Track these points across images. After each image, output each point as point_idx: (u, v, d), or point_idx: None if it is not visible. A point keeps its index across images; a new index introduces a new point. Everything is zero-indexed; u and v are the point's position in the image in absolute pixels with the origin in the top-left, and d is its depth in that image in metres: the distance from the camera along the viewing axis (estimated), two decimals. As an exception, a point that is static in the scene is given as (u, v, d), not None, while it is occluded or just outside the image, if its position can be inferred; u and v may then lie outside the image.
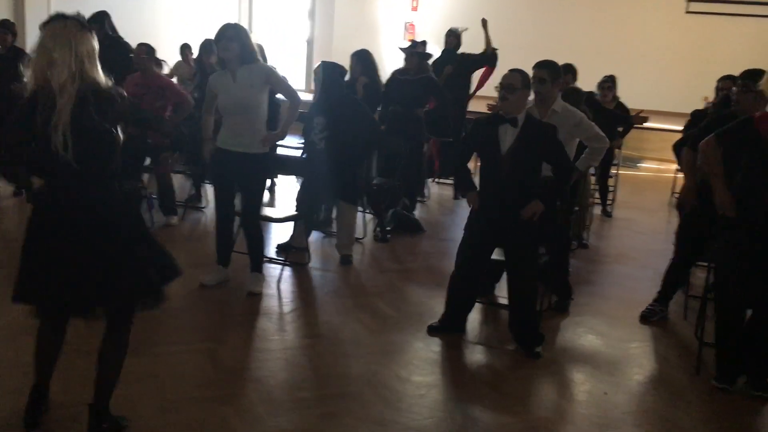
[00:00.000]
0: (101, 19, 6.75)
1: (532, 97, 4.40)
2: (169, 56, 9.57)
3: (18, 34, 6.98)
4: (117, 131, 2.80)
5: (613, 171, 7.79)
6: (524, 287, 4.14)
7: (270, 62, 7.24)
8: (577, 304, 4.96)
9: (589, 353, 4.28)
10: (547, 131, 4.06)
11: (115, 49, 6.72)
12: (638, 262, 6.21)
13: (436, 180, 8.35)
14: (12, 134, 2.79)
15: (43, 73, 2.69)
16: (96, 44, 2.81)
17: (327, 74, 5.35)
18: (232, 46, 4.41)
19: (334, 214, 5.89)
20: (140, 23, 10.78)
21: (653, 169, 11.25)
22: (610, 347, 4.38)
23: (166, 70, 6.85)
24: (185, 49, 9.02)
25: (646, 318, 4.80)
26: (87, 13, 6.86)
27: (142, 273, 2.88)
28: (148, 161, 6.37)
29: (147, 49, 6.04)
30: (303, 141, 5.75)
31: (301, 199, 5.55)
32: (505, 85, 4.00)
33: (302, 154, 5.74)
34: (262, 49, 7.16)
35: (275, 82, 4.58)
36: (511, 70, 4.06)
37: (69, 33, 2.72)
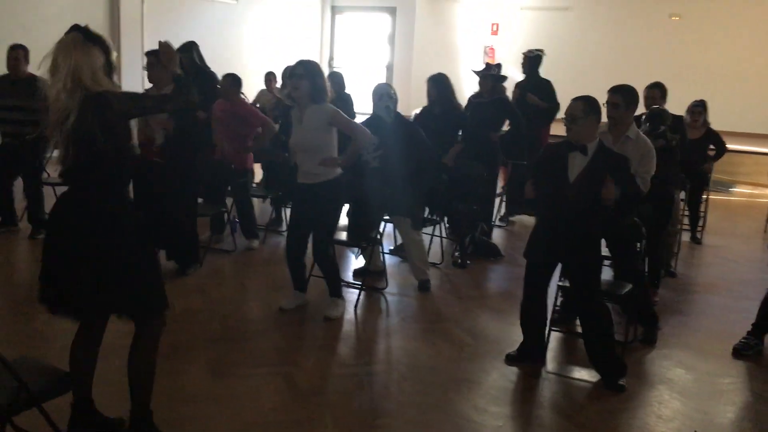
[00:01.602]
0: (189, 49, 7.01)
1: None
2: (254, 85, 9.91)
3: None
4: (123, 138, 2.82)
5: (704, 195, 7.48)
6: (591, 310, 4.01)
7: (348, 89, 7.38)
8: (665, 335, 4.75)
9: (677, 388, 4.08)
10: (619, 163, 3.94)
11: (201, 78, 6.98)
12: (730, 292, 5.91)
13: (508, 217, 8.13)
14: None
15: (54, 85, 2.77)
16: (102, 57, 2.85)
17: (377, 95, 5.36)
18: (301, 85, 4.45)
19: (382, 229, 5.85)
20: (226, 53, 11.18)
21: (746, 194, 10.74)
22: (700, 382, 4.17)
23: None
24: (269, 77, 9.27)
25: (739, 352, 4.54)
26: (177, 44, 7.21)
27: (142, 285, 2.88)
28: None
29: (232, 80, 6.23)
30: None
31: (353, 219, 5.54)
32: (568, 115, 3.92)
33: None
34: (341, 77, 7.32)
35: (339, 122, 4.55)
36: (575, 99, 3.96)
37: (71, 44, 2.80)
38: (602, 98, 4.27)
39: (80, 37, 2.82)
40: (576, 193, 3.89)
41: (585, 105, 3.91)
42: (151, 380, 3.03)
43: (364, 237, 5.37)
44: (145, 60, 5.10)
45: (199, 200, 5.96)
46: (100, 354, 3.11)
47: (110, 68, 2.89)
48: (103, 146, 2.74)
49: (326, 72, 5.05)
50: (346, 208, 5.60)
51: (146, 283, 2.90)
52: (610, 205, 3.88)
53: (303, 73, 4.46)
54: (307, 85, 4.44)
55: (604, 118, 4.25)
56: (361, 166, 5.41)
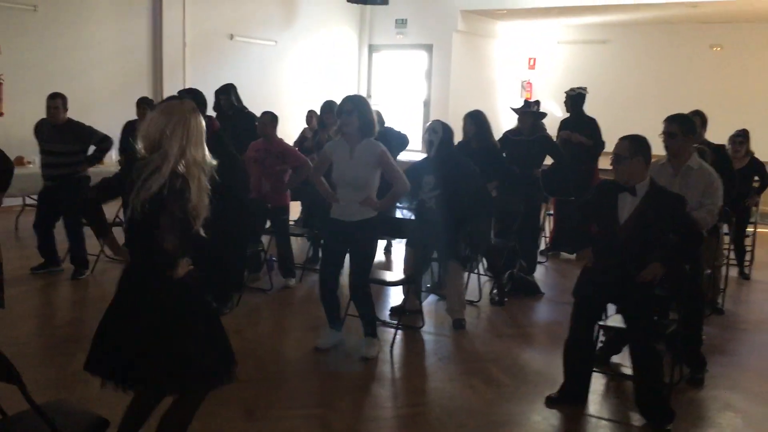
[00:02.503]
0: (228, 91, 7.15)
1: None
2: (292, 123, 10.03)
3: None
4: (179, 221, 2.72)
5: (750, 229, 7.27)
6: (644, 354, 3.88)
7: (387, 124, 7.44)
8: (712, 376, 4.58)
9: (726, 432, 3.91)
10: (675, 204, 3.81)
11: (240, 119, 7.11)
12: (781, 329, 5.69)
13: (549, 253, 8.03)
14: (95, 189, 2.96)
15: (152, 144, 2.78)
16: (203, 125, 2.89)
17: (446, 133, 5.36)
18: (351, 121, 4.48)
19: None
20: (266, 93, 11.38)
21: (796, 227, 10.41)
22: (752, 426, 3.99)
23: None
24: (311, 115, 9.36)
25: (792, 394, 4.35)
26: (216, 84, 7.38)
27: (182, 360, 2.80)
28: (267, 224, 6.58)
29: (270, 117, 6.31)
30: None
31: (410, 261, 5.53)
32: (613, 155, 3.85)
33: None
34: (380, 115, 7.37)
35: (385, 164, 4.55)
36: (621, 139, 3.88)
37: (183, 111, 2.83)
38: (645, 131, 4.18)
39: (194, 107, 2.88)
40: (627, 236, 3.80)
41: (631, 144, 3.82)
42: None
43: (418, 278, 5.37)
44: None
45: None
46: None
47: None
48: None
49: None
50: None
51: (203, 357, 2.84)
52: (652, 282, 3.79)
53: (352, 108, 4.50)
54: (356, 120, 4.48)
55: (660, 151, 4.16)
56: (419, 206, 5.41)
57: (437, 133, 5.34)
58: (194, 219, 2.76)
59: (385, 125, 7.37)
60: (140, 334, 2.77)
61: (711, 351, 4.91)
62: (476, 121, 6.29)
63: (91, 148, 6.37)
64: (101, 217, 3.02)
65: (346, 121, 4.50)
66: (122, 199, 2.85)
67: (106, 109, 9.30)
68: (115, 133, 7.34)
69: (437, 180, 5.31)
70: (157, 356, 2.77)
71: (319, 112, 8.25)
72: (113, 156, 7.81)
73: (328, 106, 7.34)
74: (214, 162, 2.93)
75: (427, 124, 5.56)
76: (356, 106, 4.52)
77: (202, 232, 2.81)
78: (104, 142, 6.35)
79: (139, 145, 2.82)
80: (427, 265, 5.63)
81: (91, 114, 7.43)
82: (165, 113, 2.83)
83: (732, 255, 7.07)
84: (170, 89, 10.57)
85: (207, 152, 2.88)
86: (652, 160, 3.97)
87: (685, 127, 4.36)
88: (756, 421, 4.04)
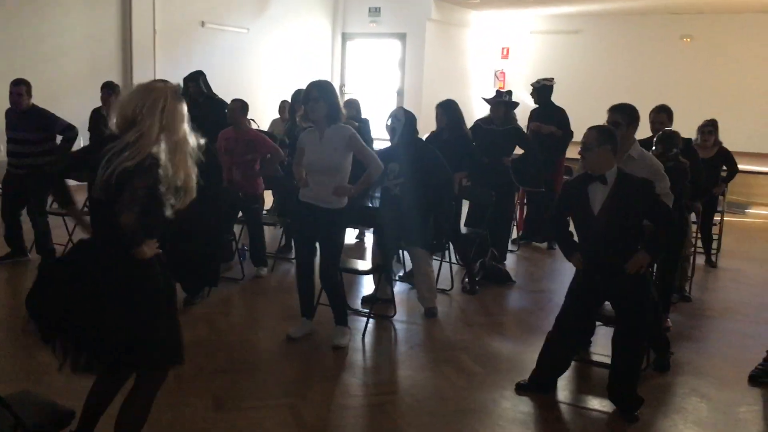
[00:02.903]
0: (196, 78, 7.08)
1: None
2: (265, 112, 9.97)
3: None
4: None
5: (717, 218, 7.39)
6: (633, 347, 3.92)
7: (364, 115, 7.44)
8: (679, 362, 4.65)
9: (692, 417, 3.97)
10: (643, 188, 3.84)
11: (209, 106, 7.04)
12: (747, 316, 5.79)
13: (521, 242, 8.07)
14: (62, 163, 2.93)
15: (125, 122, 2.75)
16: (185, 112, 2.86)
17: (408, 120, 5.36)
18: (318, 107, 4.47)
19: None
20: (238, 81, 11.28)
21: (762, 216, 10.61)
22: (716, 411, 4.06)
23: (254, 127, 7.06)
24: (284, 106, 9.29)
25: (755, 379, 4.43)
26: (187, 72, 7.29)
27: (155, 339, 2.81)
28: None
29: (239, 105, 6.25)
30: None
31: (378, 249, 5.54)
32: (582, 144, 3.87)
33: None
34: (357, 104, 7.37)
35: (355, 147, 4.55)
36: (589, 129, 3.90)
37: (164, 91, 2.80)
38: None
39: (178, 90, 2.87)
40: (602, 225, 3.82)
41: (598, 134, 3.85)
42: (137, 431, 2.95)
43: (386, 265, 5.36)
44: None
45: None
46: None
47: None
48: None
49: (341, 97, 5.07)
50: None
51: (158, 336, 2.82)
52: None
53: (318, 95, 4.48)
54: (323, 106, 4.46)
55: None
56: (384, 194, 5.40)
57: (400, 120, 5.34)
58: (167, 201, 2.74)
59: (362, 117, 7.37)
60: (95, 308, 2.73)
61: (678, 338, 4.99)
62: (448, 110, 6.29)
63: (59, 139, 6.26)
64: (65, 187, 2.97)
65: (313, 107, 4.48)
66: (88, 176, 2.80)
67: (75, 97, 9.16)
68: (85, 121, 7.23)
69: (402, 167, 5.31)
70: (114, 331, 2.74)
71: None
72: (81, 146, 7.68)
73: (298, 95, 7.32)
74: (201, 141, 2.89)
75: (390, 112, 5.54)
76: (322, 92, 4.49)
77: (169, 215, 2.79)
78: (69, 132, 6.22)
79: (112, 122, 2.79)
80: (393, 252, 5.62)
81: (61, 102, 7.32)
82: (144, 91, 2.80)
83: (699, 243, 7.19)
84: (140, 77, 10.42)
85: (190, 134, 2.85)
86: None
87: (628, 118, 4.41)
88: (721, 406, 4.12)
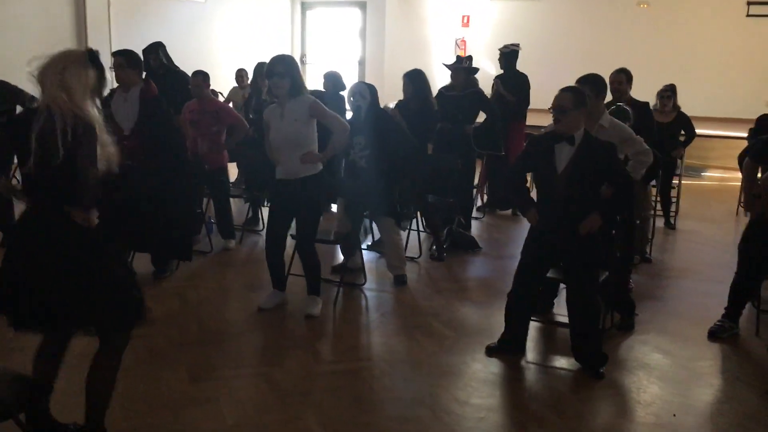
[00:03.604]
0: (156, 50, 6.94)
1: None
2: (225, 82, 9.83)
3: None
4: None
5: (675, 181, 7.57)
6: (585, 306, 4.03)
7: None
8: (642, 321, 4.81)
9: (655, 373, 4.13)
10: (607, 150, 3.93)
11: (171, 78, 6.92)
12: (705, 275, 5.99)
13: (486, 209, 8.17)
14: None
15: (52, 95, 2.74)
16: (93, 79, 2.84)
17: (373, 96, 5.36)
18: (283, 83, 4.45)
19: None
20: (196, 52, 11.06)
21: (717, 178, 10.90)
22: (678, 366, 4.22)
23: (220, 99, 6.99)
24: (241, 74, 9.19)
25: (714, 335, 4.61)
26: (143, 44, 7.14)
27: (108, 300, 2.81)
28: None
29: (202, 77, 6.17)
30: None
31: (343, 219, 5.56)
32: (556, 107, 3.91)
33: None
34: (339, 77, 7.29)
35: (318, 113, 4.54)
36: (563, 90, 3.95)
37: (76, 59, 2.80)
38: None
39: (85, 56, 2.83)
40: (565, 184, 3.90)
41: (574, 96, 3.90)
42: (107, 399, 2.95)
43: (353, 235, 5.39)
44: (113, 60, 5.02)
45: None
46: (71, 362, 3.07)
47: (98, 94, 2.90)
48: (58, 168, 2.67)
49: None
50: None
51: (113, 298, 2.82)
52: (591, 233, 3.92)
53: (283, 71, 4.45)
54: (288, 82, 4.45)
55: None
56: (350, 165, 5.40)
57: (365, 98, 5.31)
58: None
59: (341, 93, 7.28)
60: (52, 276, 2.72)
61: (640, 297, 5.14)
62: (415, 80, 6.28)
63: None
64: None
65: (278, 83, 4.45)
66: (18, 149, 2.77)
67: (26, 71, 8.89)
68: (38, 94, 7.04)
69: (367, 140, 5.31)
70: (74, 297, 2.73)
71: (251, 74, 8.12)
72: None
73: (261, 68, 7.25)
74: (99, 117, 2.85)
75: (350, 87, 5.48)
76: (288, 69, 4.48)
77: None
78: (31, 102, 6.08)
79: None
80: (359, 222, 5.65)
81: (10, 76, 7.09)
82: (52, 57, 2.80)
83: (659, 206, 7.37)
84: (95, 48, 10.18)
85: (93, 107, 2.82)
86: None
87: (596, 88, 4.50)
88: (683, 362, 4.28)
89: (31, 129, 2.68)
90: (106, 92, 3.27)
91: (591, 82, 4.50)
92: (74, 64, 2.79)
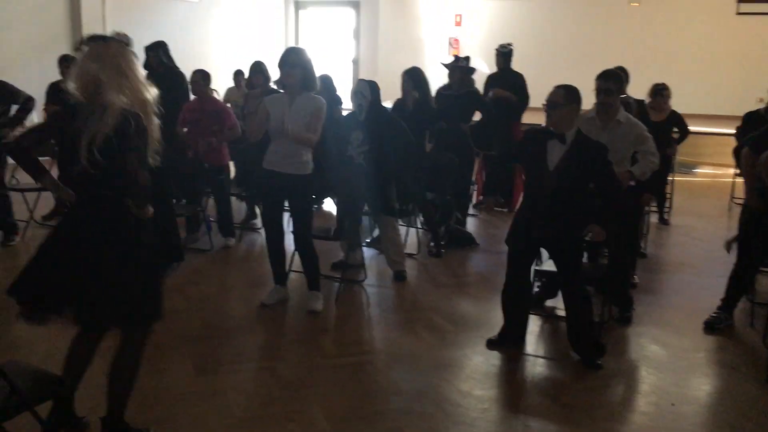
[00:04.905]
0: (156, 49, 6.95)
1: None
2: (217, 82, 9.85)
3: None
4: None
5: (669, 178, 7.66)
6: (577, 297, 4.11)
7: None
8: (639, 314, 4.88)
9: (653, 364, 4.21)
10: (598, 151, 3.98)
11: (171, 78, 6.94)
12: (699, 269, 6.08)
13: (481, 206, 8.20)
14: (30, 137, 2.93)
15: (89, 92, 2.78)
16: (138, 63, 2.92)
17: (374, 94, 5.40)
18: (294, 73, 4.46)
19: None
20: (190, 52, 11.07)
21: (710, 175, 11.02)
22: (676, 357, 4.30)
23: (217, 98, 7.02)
24: (238, 75, 9.22)
25: (711, 326, 4.69)
26: (138, 44, 7.15)
27: (136, 296, 2.88)
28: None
29: (201, 76, 6.21)
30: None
31: (342, 216, 5.61)
32: (548, 102, 3.98)
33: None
34: (330, 80, 7.27)
35: (317, 119, 4.52)
36: (556, 87, 4.01)
37: (113, 56, 2.83)
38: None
39: (123, 42, 2.91)
40: (555, 182, 3.96)
41: (566, 93, 3.96)
42: (129, 390, 3.02)
43: (351, 232, 5.44)
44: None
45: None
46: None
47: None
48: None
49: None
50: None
51: (147, 292, 2.91)
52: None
53: (296, 61, 4.47)
54: (300, 72, 4.46)
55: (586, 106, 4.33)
56: (347, 162, 5.44)
57: (366, 97, 5.35)
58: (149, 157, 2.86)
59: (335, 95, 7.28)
60: (97, 269, 2.79)
61: (637, 291, 5.22)
62: (414, 78, 6.35)
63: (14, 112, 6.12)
64: (35, 159, 2.96)
65: (289, 72, 4.47)
66: (61, 145, 2.83)
67: (24, 70, 8.90)
68: (34, 93, 7.06)
69: (366, 136, 5.35)
70: (113, 291, 2.80)
71: (247, 74, 8.13)
72: (34, 118, 7.51)
73: (257, 66, 7.29)
74: (156, 91, 2.92)
75: (353, 86, 5.53)
76: (300, 59, 4.50)
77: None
78: (28, 103, 6.10)
79: (72, 88, 2.80)
80: (356, 219, 5.69)
81: (7, 75, 7.11)
82: (94, 59, 2.81)
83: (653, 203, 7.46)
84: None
85: (145, 84, 2.88)
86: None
87: (619, 84, 4.57)
88: (679, 352, 4.36)
89: (78, 126, 2.72)
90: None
91: (614, 78, 4.56)
92: (123, 53, 2.85)
